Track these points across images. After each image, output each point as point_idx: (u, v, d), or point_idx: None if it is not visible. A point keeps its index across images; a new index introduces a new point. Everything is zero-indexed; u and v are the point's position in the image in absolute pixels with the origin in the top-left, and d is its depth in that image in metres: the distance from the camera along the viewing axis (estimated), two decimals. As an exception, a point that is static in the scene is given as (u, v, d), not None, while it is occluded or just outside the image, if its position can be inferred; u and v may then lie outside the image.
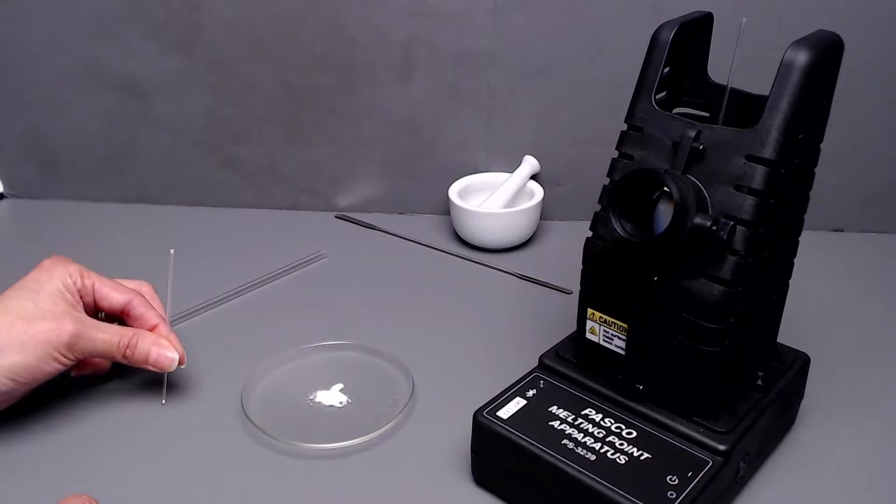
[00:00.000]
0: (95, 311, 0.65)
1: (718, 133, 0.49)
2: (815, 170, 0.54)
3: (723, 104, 0.54)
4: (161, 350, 0.63)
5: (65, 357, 0.59)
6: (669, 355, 0.52)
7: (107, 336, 0.61)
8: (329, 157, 0.95)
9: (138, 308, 0.64)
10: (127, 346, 0.62)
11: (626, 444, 0.52)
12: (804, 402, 0.63)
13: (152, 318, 0.64)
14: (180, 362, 0.64)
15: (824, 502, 0.56)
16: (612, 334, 0.55)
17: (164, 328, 0.64)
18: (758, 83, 0.52)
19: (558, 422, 0.54)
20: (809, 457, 0.60)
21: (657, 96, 0.53)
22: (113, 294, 0.64)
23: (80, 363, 0.64)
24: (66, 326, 0.59)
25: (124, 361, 0.62)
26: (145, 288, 0.67)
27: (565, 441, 0.53)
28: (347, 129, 0.93)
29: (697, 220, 0.47)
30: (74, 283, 0.62)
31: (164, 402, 0.65)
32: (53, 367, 0.59)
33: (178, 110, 0.94)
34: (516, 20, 0.86)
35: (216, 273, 0.83)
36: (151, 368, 0.63)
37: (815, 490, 0.57)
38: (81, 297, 0.63)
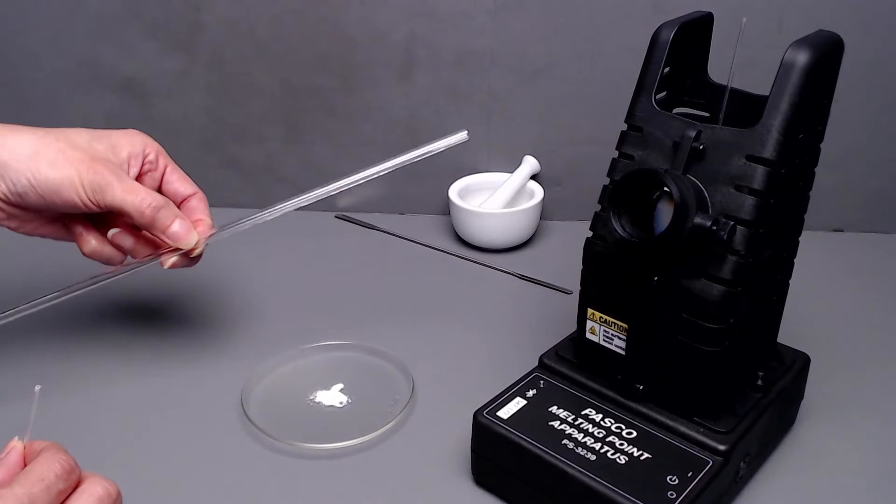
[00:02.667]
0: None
1: (718, 133, 0.49)
2: (815, 170, 0.54)
3: (723, 104, 0.54)
4: (185, 223, 0.61)
5: (86, 195, 0.58)
6: (669, 355, 0.52)
7: (136, 194, 0.59)
8: (329, 157, 0.95)
9: (198, 204, 0.64)
10: (150, 207, 0.59)
11: (626, 444, 0.52)
12: (804, 402, 0.63)
13: (207, 220, 0.64)
14: (194, 255, 0.62)
15: (824, 502, 0.56)
16: (612, 334, 0.55)
17: (208, 232, 0.63)
18: (758, 83, 0.52)
19: (558, 422, 0.54)
20: (809, 457, 0.60)
21: (657, 96, 0.53)
22: (181, 182, 0.64)
23: (98, 238, 0.63)
24: (101, 169, 0.58)
25: (143, 224, 0.60)
26: (199, 198, 0.66)
27: (565, 441, 0.53)
28: (347, 129, 0.93)
29: (697, 220, 0.47)
30: (146, 155, 0.62)
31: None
32: (71, 198, 0.58)
33: (178, 110, 0.94)
34: (516, 20, 0.86)
35: (216, 273, 0.83)
36: (167, 240, 0.61)
37: (815, 490, 0.57)
38: (145, 171, 0.63)
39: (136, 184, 0.61)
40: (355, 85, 0.91)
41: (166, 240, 0.61)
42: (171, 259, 0.62)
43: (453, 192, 0.90)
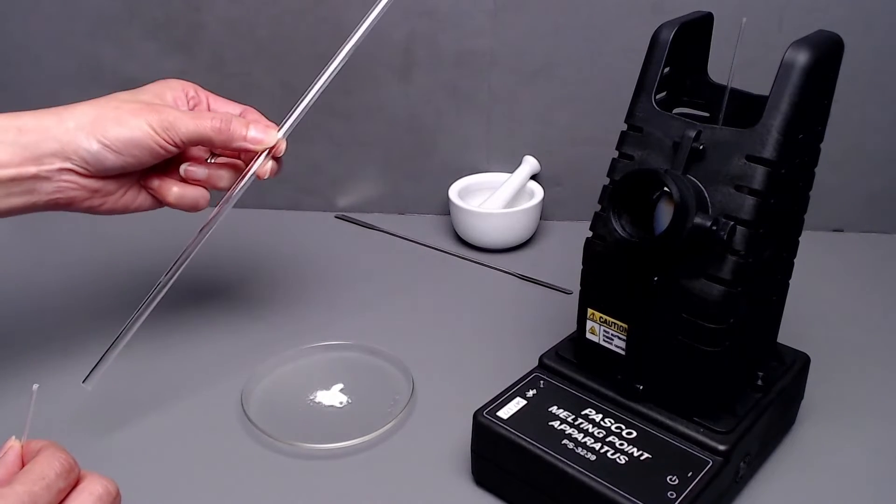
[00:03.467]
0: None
1: (718, 133, 0.49)
2: (815, 170, 0.54)
3: (723, 104, 0.54)
4: (259, 125, 0.62)
5: (160, 136, 0.59)
6: (669, 355, 0.52)
7: (205, 118, 0.60)
8: (329, 157, 0.95)
9: (255, 115, 0.65)
10: (223, 122, 0.61)
11: (626, 444, 0.52)
12: (804, 402, 0.63)
13: (271, 123, 0.64)
14: (280, 154, 0.64)
15: (824, 502, 0.56)
16: (612, 334, 0.55)
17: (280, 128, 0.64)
18: (758, 83, 0.52)
19: (558, 422, 0.54)
20: (809, 457, 0.60)
21: (657, 96, 0.53)
22: (228, 105, 0.65)
23: (178, 183, 0.64)
24: (163, 109, 0.60)
25: (222, 141, 0.61)
26: (253, 111, 0.67)
27: (565, 441, 0.53)
28: (347, 129, 0.93)
29: (697, 220, 0.47)
30: (187, 92, 0.64)
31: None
32: (148, 144, 0.59)
33: (178, 110, 0.94)
34: (516, 20, 0.86)
35: (216, 273, 0.83)
36: (249, 146, 0.62)
37: (815, 490, 0.57)
38: (192, 107, 0.64)
39: (199, 111, 0.63)
40: (355, 85, 0.91)
41: (248, 146, 0.62)
42: (265, 165, 0.63)
43: (453, 192, 0.90)
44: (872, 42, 0.82)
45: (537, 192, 0.90)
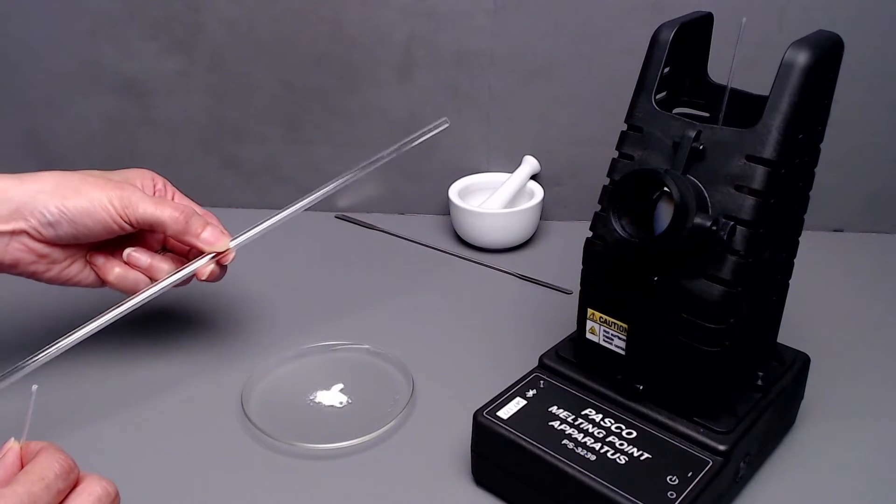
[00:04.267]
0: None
1: (718, 133, 0.49)
2: (815, 170, 0.54)
3: (723, 104, 0.54)
4: (215, 229, 0.64)
5: (117, 212, 0.60)
6: (669, 355, 0.52)
7: (166, 204, 0.62)
8: (329, 157, 0.95)
9: (213, 221, 0.66)
10: (183, 213, 0.62)
11: (626, 444, 0.52)
12: (804, 402, 0.63)
13: (226, 231, 0.66)
14: (226, 262, 0.64)
15: (824, 502, 0.56)
16: (612, 334, 0.55)
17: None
18: (758, 83, 0.52)
19: (558, 422, 0.54)
20: (809, 457, 0.60)
21: (657, 96, 0.53)
22: (192, 203, 0.66)
23: (121, 265, 0.64)
24: (126, 187, 0.61)
25: (175, 233, 0.62)
26: (213, 217, 0.68)
27: (565, 441, 0.53)
28: (347, 129, 0.93)
29: (697, 220, 0.47)
30: (155, 183, 0.66)
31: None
32: (103, 218, 0.60)
33: (178, 110, 0.94)
34: (516, 20, 0.86)
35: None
36: (200, 245, 0.63)
37: (815, 490, 0.57)
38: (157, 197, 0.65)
39: (162, 198, 0.64)
40: (355, 85, 0.91)
41: (199, 244, 0.63)
42: (208, 268, 0.64)
43: (453, 192, 0.90)
44: (872, 42, 0.82)
45: (537, 192, 0.90)
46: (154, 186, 0.66)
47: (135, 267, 0.64)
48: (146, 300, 0.62)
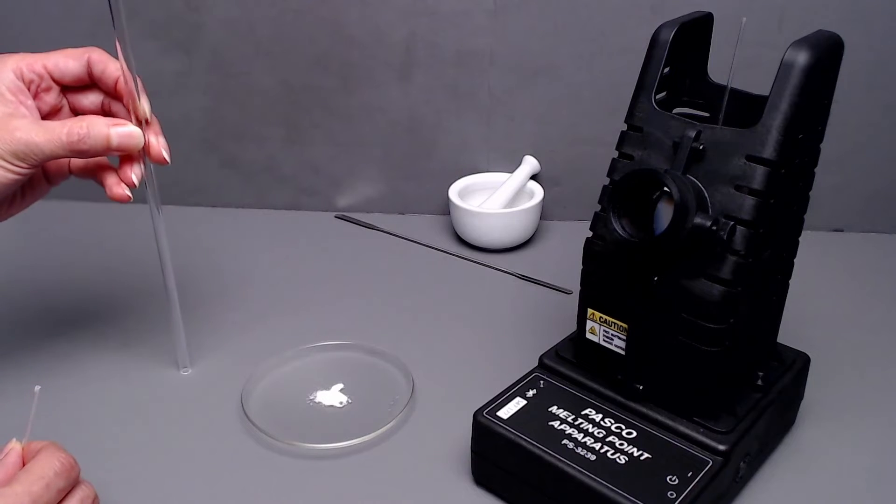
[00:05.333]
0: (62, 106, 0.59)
1: (718, 133, 0.49)
2: (815, 170, 0.54)
3: (723, 104, 0.54)
4: (120, 128, 0.56)
5: (12, 164, 0.53)
6: (669, 355, 0.52)
7: (49, 134, 0.54)
8: (329, 157, 0.95)
9: (98, 65, 0.58)
10: (77, 136, 0.54)
11: (626, 444, 0.52)
12: (804, 402, 0.63)
13: (116, 71, 0.58)
14: (157, 159, 0.58)
15: (824, 502, 0.56)
16: (612, 334, 0.55)
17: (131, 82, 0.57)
18: (758, 83, 0.52)
19: (558, 422, 0.54)
20: (809, 457, 0.60)
21: (657, 96, 0.53)
22: (67, 62, 0.57)
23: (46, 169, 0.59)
24: (4, 136, 0.53)
25: (82, 155, 0.56)
26: (95, 51, 0.60)
27: (565, 441, 0.53)
28: (347, 129, 0.93)
29: (697, 220, 0.47)
30: (22, 78, 0.56)
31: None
32: (6, 177, 0.54)
33: (178, 110, 0.94)
34: (516, 20, 0.86)
35: (216, 273, 0.83)
36: (118, 153, 0.56)
37: (815, 490, 0.57)
38: (39, 91, 0.57)
39: (45, 122, 0.55)
40: (355, 85, 0.91)
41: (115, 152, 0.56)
42: (132, 175, 0.58)
43: (453, 192, 0.90)
44: (872, 42, 0.82)
45: (537, 192, 0.90)
46: (28, 84, 0.56)
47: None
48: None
